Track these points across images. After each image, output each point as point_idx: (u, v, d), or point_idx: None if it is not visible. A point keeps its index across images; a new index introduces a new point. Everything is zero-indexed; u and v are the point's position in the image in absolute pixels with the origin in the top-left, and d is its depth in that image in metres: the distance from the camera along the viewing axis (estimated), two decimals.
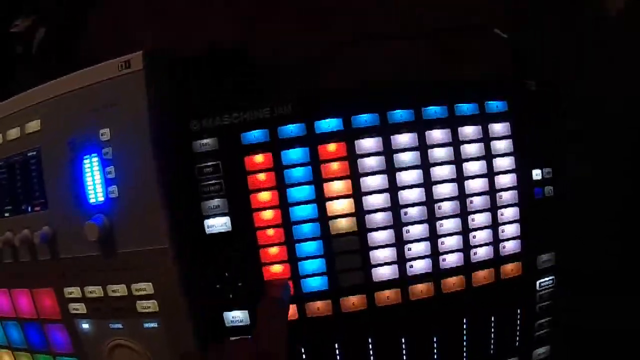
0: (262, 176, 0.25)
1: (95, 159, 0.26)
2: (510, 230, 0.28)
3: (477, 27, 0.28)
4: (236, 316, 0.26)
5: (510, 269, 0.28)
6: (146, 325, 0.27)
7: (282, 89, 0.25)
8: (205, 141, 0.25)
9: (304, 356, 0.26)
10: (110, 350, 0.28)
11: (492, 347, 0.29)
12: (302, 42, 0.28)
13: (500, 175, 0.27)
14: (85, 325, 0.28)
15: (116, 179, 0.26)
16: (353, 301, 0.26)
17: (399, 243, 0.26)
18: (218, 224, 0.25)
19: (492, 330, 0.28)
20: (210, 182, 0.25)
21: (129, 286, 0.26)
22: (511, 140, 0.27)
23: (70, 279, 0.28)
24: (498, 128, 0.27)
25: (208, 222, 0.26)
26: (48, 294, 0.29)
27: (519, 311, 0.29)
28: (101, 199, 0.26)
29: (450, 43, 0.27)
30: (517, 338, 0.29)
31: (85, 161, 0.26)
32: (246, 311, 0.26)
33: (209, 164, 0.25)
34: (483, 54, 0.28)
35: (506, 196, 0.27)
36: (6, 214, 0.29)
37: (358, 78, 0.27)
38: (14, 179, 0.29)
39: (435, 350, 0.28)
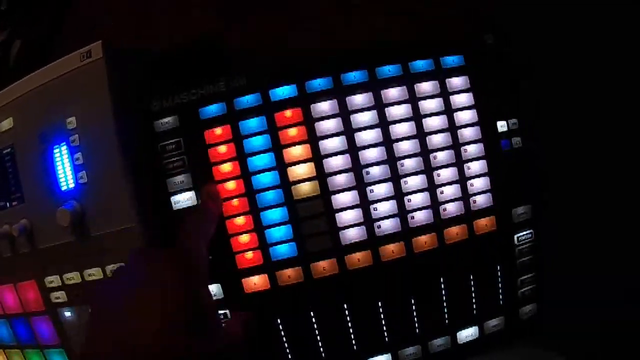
0: (222, 148, 0.26)
1: (64, 148, 0.28)
2: (480, 184, 0.28)
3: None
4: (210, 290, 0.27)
5: (484, 223, 0.28)
6: None
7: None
8: (165, 120, 0.27)
9: (280, 326, 0.27)
10: None
11: (474, 307, 0.29)
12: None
13: (463, 129, 0.28)
14: (68, 314, 0.29)
15: (84, 165, 0.27)
16: (323, 266, 0.27)
17: (364, 203, 0.26)
18: (184, 200, 0.27)
19: (472, 289, 0.29)
20: (173, 158, 0.27)
21: (104, 268, 0.27)
22: (471, 93, 0.28)
23: (50, 268, 0.29)
24: (456, 82, 0.28)
25: (174, 199, 0.27)
26: (31, 287, 0.30)
27: (498, 268, 0.29)
28: (72, 185, 0.28)
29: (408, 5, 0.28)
30: (501, 297, 0.30)
31: (55, 151, 0.28)
32: (218, 284, 0.27)
33: (171, 141, 0.27)
34: (442, 12, 0.29)
35: (471, 149, 0.28)
36: None
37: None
38: None
39: (414, 313, 0.28)
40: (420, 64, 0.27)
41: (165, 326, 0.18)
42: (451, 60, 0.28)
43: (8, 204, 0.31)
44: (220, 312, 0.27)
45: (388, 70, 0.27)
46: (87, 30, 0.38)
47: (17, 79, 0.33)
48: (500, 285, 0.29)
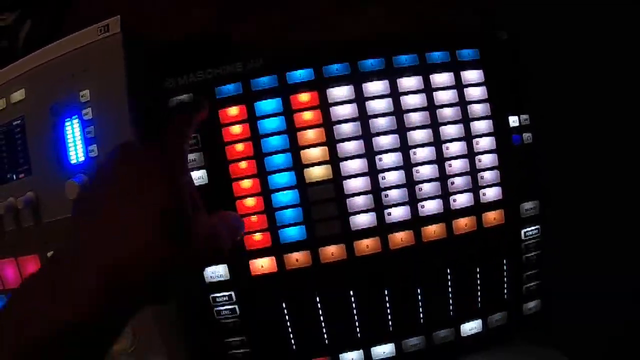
0: (236, 128, 0.27)
1: (75, 121, 0.28)
2: (490, 177, 0.28)
3: None
4: (216, 271, 0.27)
5: (492, 217, 0.29)
6: None
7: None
8: (180, 97, 0.27)
9: (285, 310, 0.27)
10: None
11: (479, 300, 0.29)
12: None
13: (476, 122, 0.28)
14: None
15: (96, 138, 0.27)
16: (332, 251, 0.27)
17: (376, 190, 0.27)
18: (195, 177, 0.27)
19: (478, 282, 0.29)
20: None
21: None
22: (485, 87, 0.28)
23: (54, 242, 0.29)
24: (471, 75, 0.28)
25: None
26: (33, 261, 0.30)
27: (504, 262, 0.29)
28: (82, 158, 0.28)
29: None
30: (506, 291, 0.30)
31: (66, 124, 0.28)
32: (225, 265, 0.27)
33: None
34: (460, 6, 0.29)
35: (482, 142, 0.28)
36: None
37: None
38: (0, 149, 0.31)
39: (420, 303, 0.28)
40: (436, 55, 0.28)
41: (139, 226, 0.18)
42: (467, 54, 0.28)
43: (15, 176, 0.30)
44: (225, 293, 0.27)
45: (405, 59, 0.27)
46: (96, 16, 0.38)
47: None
48: (505, 279, 0.30)
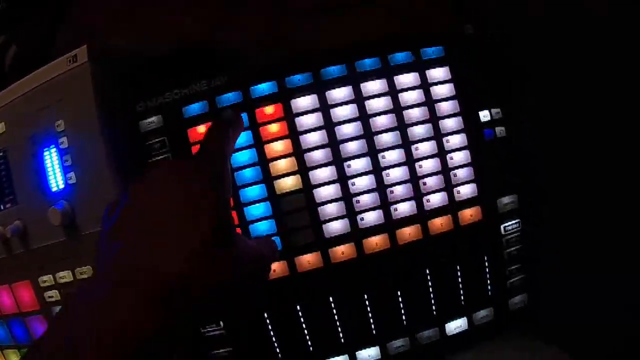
0: None
1: (53, 150, 0.29)
2: (463, 174, 0.29)
3: None
4: None
5: (469, 214, 0.29)
6: None
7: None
8: (150, 119, 0.28)
9: (267, 320, 0.28)
10: None
11: (462, 298, 0.30)
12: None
13: (445, 120, 0.28)
14: None
15: (73, 166, 0.29)
16: (308, 259, 0.27)
17: (347, 196, 0.27)
18: None
19: (460, 280, 0.29)
20: (158, 157, 0.28)
21: (94, 267, 0.29)
22: (452, 84, 0.29)
23: (43, 267, 0.31)
24: (437, 73, 0.29)
25: None
26: (26, 287, 0.32)
27: (486, 258, 0.30)
28: (62, 185, 0.29)
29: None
30: (489, 287, 0.30)
31: (45, 153, 0.30)
32: None
33: (156, 140, 0.28)
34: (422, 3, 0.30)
35: (453, 140, 0.28)
36: None
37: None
38: None
39: (401, 305, 0.29)
40: (399, 56, 0.28)
41: (191, 238, 0.18)
42: (431, 52, 0.29)
43: (2, 206, 0.32)
44: None
45: (368, 63, 0.28)
46: (83, 37, 0.40)
47: (11, 84, 0.35)
48: (488, 276, 0.30)
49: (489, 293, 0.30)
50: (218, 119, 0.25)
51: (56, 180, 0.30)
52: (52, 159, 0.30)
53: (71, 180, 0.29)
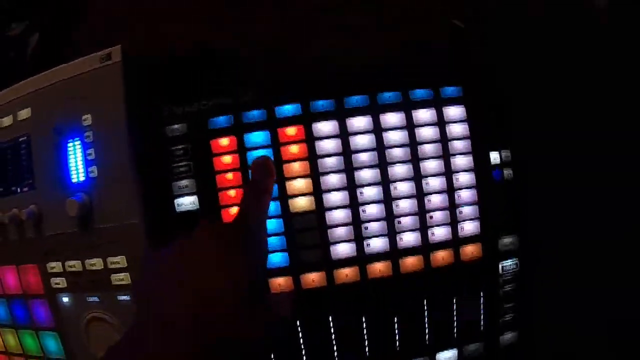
0: (227, 158, 0.29)
1: (77, 143, 0.31)
2: (468, 212, 0.30)
3: (436, 19, 0.31)
4: None
5: (470, 250, 0.30)
6: (120, 298, 0.30)
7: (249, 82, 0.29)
8: (176, 126, 0.29)
9: None
10: (87, 323, 0.31)
11: (455, 331, 0.31)
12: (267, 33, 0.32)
13: (457, 157, 0.30)
14: (65, 299, 0.32)
15: (96, 160, 0.30)
16: (312, 278, 0.29)
17: (356, 222, 0.29)
18: (187, 203, 0.29)
19: (455, 313, 0.31)
20: (180, 163, 0.29)
21: (105, 260, 0.30)
22: (466, 124, 0.30)
23: (53, 254, 0.32)
24: (453, 112, 0.30)
25: (178, 201, 0.29)
26: (33, 270, 0.33)
27: (481, 294, 0.31)
28: (82, 178, 0.30)
29: (410, 34, 0.31)
30: (482, 323, 0.31)
31: (69, 145, 0.31)
32: None
33: (179, 147, 0.29)
34: (444, 44, 0.31)
35: (462, 178, 0.30)
36: None
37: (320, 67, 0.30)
38: (5, 163, 0.33)
39: (396, 331, 0.30)
40: (420, 93, 0.30)
41: (224, 299, 0.19)
42: (450, 91, 0.30)
43: (19, 189, 0.33)
44: None
45: (389, 96, 0.29)
46: (105, 30, 0.41)
47: (33, 72, 0.36)
48: (481, 311, 0.31)
49: (481, 328, 0.31)
50: (253, 184, 0.26)
51: (77, 172, 0.31)
52: (75, 151, 0.31)
53: (92, 174, 0.30)
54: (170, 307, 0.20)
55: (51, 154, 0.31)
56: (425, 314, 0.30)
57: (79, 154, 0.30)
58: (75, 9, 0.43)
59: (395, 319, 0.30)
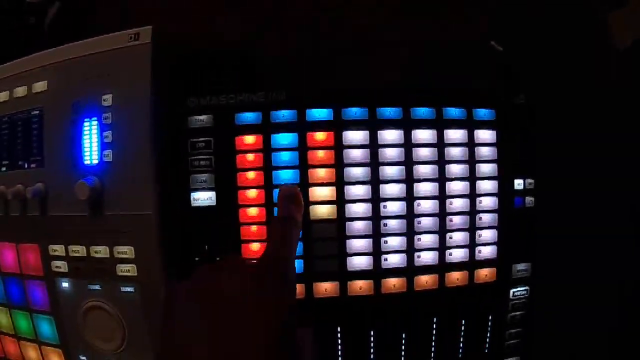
0: (250, 156, 0.28)
1: (95, 123, 0.29)
2: (487, 235, 0.30)
3: (473, 40, 0.31)
4: None
5: (484, 274, 0.30)
6: (123, 289, 0.29)
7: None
8: (200, 117, 0.28)
9: None
10: (85, 311, 0.30)
11: (460, 350, 0.31)
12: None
13: (482, 181, 0.30)
14: (65, 284, 0.31)
15: (112, 144, 0.29)
16: (326, 287, 0.28)
17: (376, 235, 0.28)
18: (203, 198, 0.28)
19: (462, 333, 0.31)
20: (200, 157, 0.28)
21: (112, 248, 0.29)
22: (495, 148, 0.30)
23: (57, 236, 0.31)
24: (484, 135, 0.30)
25: (194, 195, 0.28)
26: (33, 250, 0.31)
27: (490, 317, 0.31)
28: (95, 161, 0.29)
29: (445, 54, 0.30)
30: (487, 345, 0.32)
31: (85, 124, 0.30)
32: None
33: (202, 139, 0.28)
34: (477, 66, 0.31)
35: (486, 201, 0.30)
36: (2, 168, 0.32)
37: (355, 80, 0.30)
38: (15, 135, 0.32)
39: (402, 347, 0.30)
40: (453, 112, 0.29)
41: (255, 346, 0.19)
42: (483, 113, 0.30)
43: (26, 164, 0.32)
44: None
45: (422, 112, 0.29)
46: (126, 6, 0.39)
47: (50, 42, 0.34)
48: (488, 334, 0.31)
49: (486, 350, 0.32)
50: (282, 221, 0.25)
51: (91, 154, 0.29)
52: (91, 132, 0.29)
53: (107, 157, 0.29)
54: (199, 352, 0.19)
55: (65, 132, 0.30)
56: (434, 332, 0.30)
57: (95, 135, 0.29)
58: None
59: (404, 334, 0.30)
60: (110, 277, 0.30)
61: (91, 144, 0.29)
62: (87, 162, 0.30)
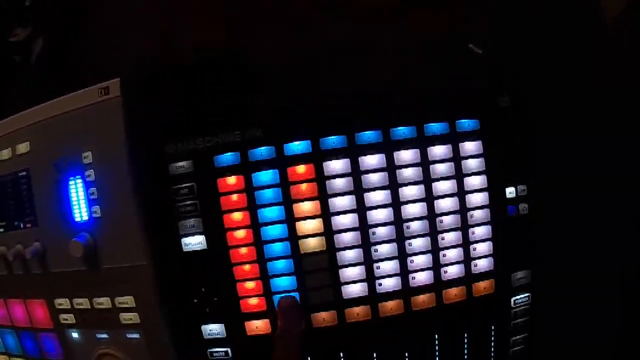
0: (234, 197, 0.28)
1: (79, 181, 0.30)
2: (482, 248, 0.30)
3: (452, 42, 0.30)
4: (213, 329, 0.29)
5: (482, 286, 0.30)
6: (129, 335, 0.30)
7: (269, 96, 0.28)
8: (180, 164, 0.28)
9: None
10: (97, 358, 0.32)
11: None
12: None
13: (472, 194, 0.29)
14: (75, 335, 0.32)
15: (99, 200, 0.29)
16: (324, 317, 0.29)
17: (368, 262, 0.28)
18: (194, 243, 0.29)
19: (465, 346, 0.31)
20: (185, 202, 0.29)
21: (113, 299, 0.30)
22: (483, 158, 0.29)
23: (60, 291, 0.32)
24: (469, 147, 0.29)
25: (185, 241, 0.29)
26: (40, 305, 0.33)
27: (492, 328, 0.31)
28: (86, 217, 0.30)
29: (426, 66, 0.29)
30: (492, 354, 0.32)
31: (70, 182, 0.30)
32: (222, 324, 0.29)
33: (184, 185, 0.28)
34: (459, 72, 0.30)
35: (477, 215, 0.29)
36: (0, 230, 0.33)
37: (344, 87, 0.29)
38: (6, 197, 0.33)
39: None
40: (435, 127, 0.29)
41: None
42: (466, 124, 0.29)
43: (22, 224, 0.33)
44: (221, 349, 0.30)
45: (402, 132, 0.28)
46: (110, 36, 0.39)
47: (37, 77, 0.35)
48: (492, 343, 0.32)
49: (491, 359, 0.32)
50: (284, 335, 0.26)
51: (80, 211, 0.30)
52: (77, 190, 0.30)
53: (96, 214, 0.30)
54: None
55: (52, 192, 0.31)
56: (437, 348, 0.31)
57: (81, 193, 0.30)
58: (79, 15, 0.41)
59: (407, 354, 0.30)
60: (115, 326, 0.31)
61: (79, 202, 0.30)
62: (77, 219, 0.30)
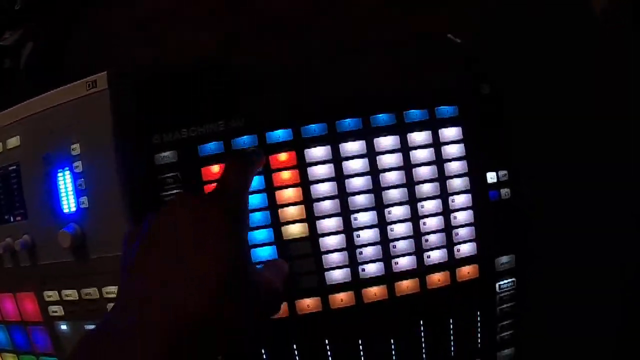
0: None
1: (67, 173, 0.31)
2: (465, 233, 0.30)
3: (430, 34, 0.31)
4: None
5: (466, 271, 0.31)
6: None
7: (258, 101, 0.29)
8: (165, 154, 0.29)
9: (263, 358, 0.30)
10: None
11: (452, 349, 0.32)
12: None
13: (453, 180, 0.30)
14: (64, 327, 0.33)
15: (86, 190, 0.30)
16: (308, 303, 0.29)
17: (351, 247, 0.29)
18: None
19: (451, 332, 0.31)
20: (171, 192, 0.29)
21: (100, 289, 0.30)
22: (462, 144, 0.30)
23: (49, 283, 0.32)
24: (449, 133, 0.30)
25: None
26: (30, 298, 0.33)
27: (478, 313, 0.32)
28: (73, 208, 0.31)
29: (405, 55, 0.30)
30: (479, 340, 0.32)
31: (59, 174, 0.31)
32: None
33: (169, 175, 0.29)
34: (438, 61, 0.31)
35: (459, 200, 0.30)
36: None
37: (321, 90, 0.30)
38: None
39: (393, 352, 0.31)
40: (414, 114, 0.29)
41: (209, 278, 0.18)
42: (445, 111, 0.30)
43: (12, 218, 0.34)
44: None
45: (382, 119, 0.29)
46: (99, 40, 0.40)
47: (27, 82, 0.36)
48: (479, 329, 0.32)
49: (479, 346, 0.32)
50: (236, 155, 0.26)
51: (68, 202, 0.31)
52: (65, 181, 0.31)
53: (83, 204, 0.31)
54: (143, 293, 0.18)
55: (42, 184, 0.32)
56: (422, 334, 0.31)
57: (70, 184, 0.31)
58: (70, 18, 0.42)
59: (392, 340, 0.31)
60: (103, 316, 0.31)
61: (67, 193, 0.31)
62: (66, 210, 0.31)
